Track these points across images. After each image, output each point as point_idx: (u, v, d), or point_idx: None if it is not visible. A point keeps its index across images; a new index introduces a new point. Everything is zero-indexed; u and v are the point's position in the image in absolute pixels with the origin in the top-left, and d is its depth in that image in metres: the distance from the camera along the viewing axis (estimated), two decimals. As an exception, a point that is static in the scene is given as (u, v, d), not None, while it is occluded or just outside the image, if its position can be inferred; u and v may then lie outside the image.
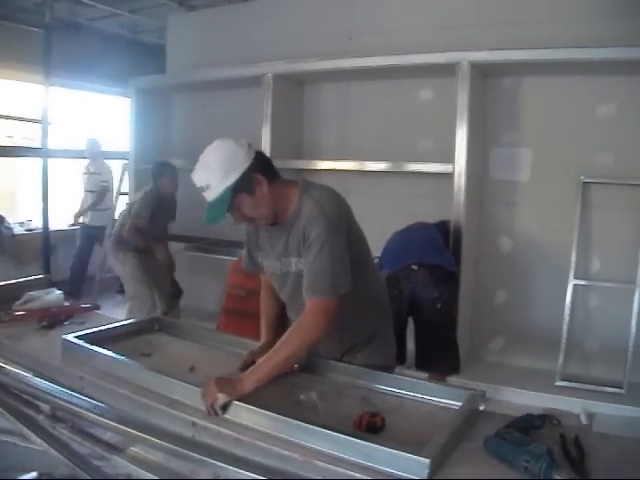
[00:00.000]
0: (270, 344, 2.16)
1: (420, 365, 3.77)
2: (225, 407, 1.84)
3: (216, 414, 1.83)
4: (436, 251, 3.88)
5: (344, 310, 2.07)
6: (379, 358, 2.35)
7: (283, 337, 2.04)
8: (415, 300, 3.76)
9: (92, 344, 2.32)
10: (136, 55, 7.96)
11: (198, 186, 2.03)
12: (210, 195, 2.01)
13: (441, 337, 3.83)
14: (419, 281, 3.71)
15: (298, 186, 2.14)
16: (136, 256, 5.08)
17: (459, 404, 1.88)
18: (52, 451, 2.21)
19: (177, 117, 6.27)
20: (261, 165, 2.07)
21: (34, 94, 6.60)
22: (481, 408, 1.90)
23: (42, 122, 5.91)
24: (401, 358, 3.57)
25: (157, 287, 5.13)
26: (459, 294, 4.28)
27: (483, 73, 4.42)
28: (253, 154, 2.06)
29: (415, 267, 3.73)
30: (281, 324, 2.42)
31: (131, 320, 2.85)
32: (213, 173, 1.99)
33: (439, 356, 3.77)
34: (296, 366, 2.20)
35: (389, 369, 2.37)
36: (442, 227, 4.24)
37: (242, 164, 2.01)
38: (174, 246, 5.70)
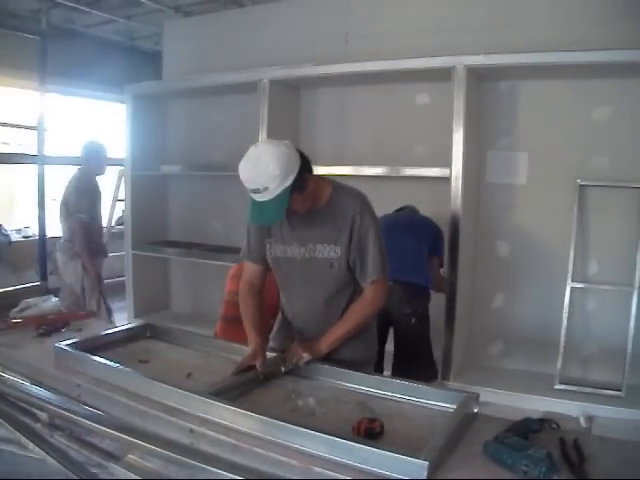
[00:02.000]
0: (262, 347, 2.33)
1: (396, 375, 3.77)
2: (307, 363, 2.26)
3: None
4: (413, 267, 3.95)
5: (345, 301, 2.44)
6: (363, 352, 2.56)
7: (351, 309, 2.41)
8: (390, 314, 3.86)
9: (85, 351, 2.31)
10: (132, 61, 7.97)
11: (253, 188, 2.12)
12: (265, 196, 2.11)
13: (417, 350, 3.94)
14: (393, 297, 3.77)
15: (328, 181, 2.48)
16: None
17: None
18: (50, 459, 2.21)
19: (173, 123, 6.25)
20: (305, 164, 2.25)
21: (30, 101, 6.59)
22: (475, 410, 1.90)
23: (38, 129, 5.91)
24: (379, 368, 3.71)
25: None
26: (456, 299, 4.29)
27: (479, 77, 4.41)
28: (299, 154, 2.24)
29: (390, 283, 3.76)
30: (261, 324, 2.49)
31: (123, 327, 2.84)
32: (272, 176, 2.09)
33: (415, 368, 3.81)
34: (283, 369, 2.27)
35: (369, 364, 2.62)
36: (432, 228, 4.25)
37: (296, 166, 2.18)
38: (170, 252, 5.69)
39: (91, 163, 5.39)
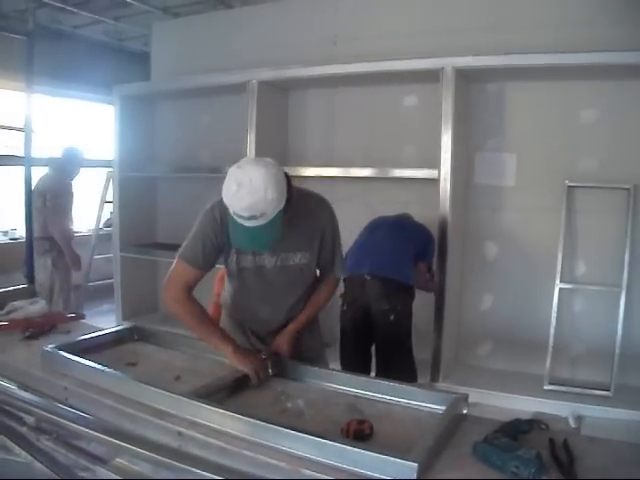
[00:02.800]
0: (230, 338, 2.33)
1: (379, 375, 3.82)
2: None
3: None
4: (394, 263, 3.92)
5: (304, 301, 2.51)
6: (315, 345, 2.67)
7: (314, 297, 2.51)
8: (369, 310, 3.88)
9: (73, 354, 2.29)
10: (120, 62, 7.94)
11: (248, 215, 1.99)
12: (260, 222, 2.02)
13: (396, 349, 3.91)
14: (371, 292, 3.83)
15: (291, 189, 2.23)
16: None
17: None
18: (36, 463, 2.19)
19: (162, 124, 6.23)
20: (289, 182, 2.15)
21: (17, 102, 6.55)
22: (464, 411, 1.90)
23: (25, 130, 5.86)
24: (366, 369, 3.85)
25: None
26: (444, 300, 4.31)
27: (467, 78, 4.43)
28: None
29: (368, 277, 3.84)
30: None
31: (111, 330, 2.82)
32: (271, 202, 1.99)
33: (394, 369, 3.80)
34: (270, 371, 2.25)
35: (323, 356, 2.73)
36: (424, 234, 4.24)
37: (285, 186, 2.09)
38: (158, 254, 5.67)
39: (67, 167, 5.58)
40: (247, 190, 1.96)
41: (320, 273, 2.55)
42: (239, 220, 2.03)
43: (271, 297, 2.43)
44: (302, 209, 2.28)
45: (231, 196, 2.00)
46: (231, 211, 2.03)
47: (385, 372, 3.81)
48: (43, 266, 5.33)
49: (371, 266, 3.85)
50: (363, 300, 3.87)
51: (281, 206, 2.05)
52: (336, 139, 5.24)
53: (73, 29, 7.47)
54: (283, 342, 2.40)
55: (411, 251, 4.05)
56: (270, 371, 2.25)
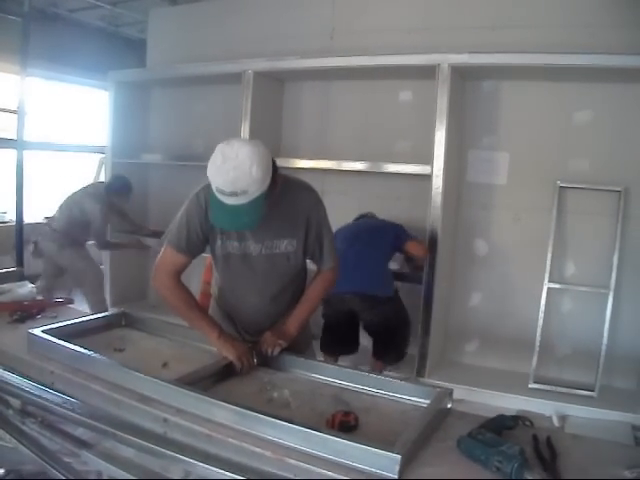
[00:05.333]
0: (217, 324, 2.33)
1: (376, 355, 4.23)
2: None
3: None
4: (370, 279, 4.05)
5: (292, 291, 2.48)
6: (304, 336, 2.59)
7: (312, 290, 2.47)
8: (357, 317, 4.18)
9: (59, 338, 2.28)
10: (116, 48, 7.88)
11: (230, 191, 1.94)
12: (241, 200, 1.96)
13: (393, 329, 4.20)
14: (355, 306, 4.06)
15: (279, 176, 2.20)
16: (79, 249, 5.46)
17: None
18: (21, 447, 2.19)
19: (156, 112, 6.22)
20: (275, 166, 2.10)
21: (10, 84, 6.50)
22: (449, 406, 1.92)
23: (18, 113, 5.83)
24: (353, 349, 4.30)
25: None
26: (433, 296, 4.33)
27: (463, 76, 4.43)
28: None
29: (347, 296, 4.01)
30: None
31: (98, 315, 2.81)
32: (254, 180, 1.94)
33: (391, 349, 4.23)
34: (256, 360, 2.25)
35: (306, 347, 2.67)
36: (391, 227, 4.34)
37: (271, 168, 2.04)
38: (149, 242, 5.67)
39: (118, 197, 5.48)
40: (232, 164, 1.93)
41: (317, 267, 2.50)
42: (220, 196, 1.98)
43: (257, 284, 2.39)
44: (287, 197, 2.26)
45: (215, 169, 1.97)
46: (213, 187, 1.98)
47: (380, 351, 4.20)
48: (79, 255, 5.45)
49: (348, 286, 3.87)
50: (343, 312, 4.12)
51: (264, 187, 1.99)
52: (330, 132, 5.24)
53: (69, 13, 7.41)
54: (276, 336, 2.30)
55: (385, 255, 4.21)
56: (255, 360, 2.25)
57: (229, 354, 2.18)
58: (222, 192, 1.95)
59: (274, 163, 2.08)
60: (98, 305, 5.39)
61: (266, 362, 2.28)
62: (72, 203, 5.41)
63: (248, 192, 1.94)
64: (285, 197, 2.24)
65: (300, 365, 2.28)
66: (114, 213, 5.56)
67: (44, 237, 5.39)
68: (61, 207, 5.47)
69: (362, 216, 4.53)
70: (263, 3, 5.49)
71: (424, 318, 4.37)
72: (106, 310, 5.13)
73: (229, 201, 1.96)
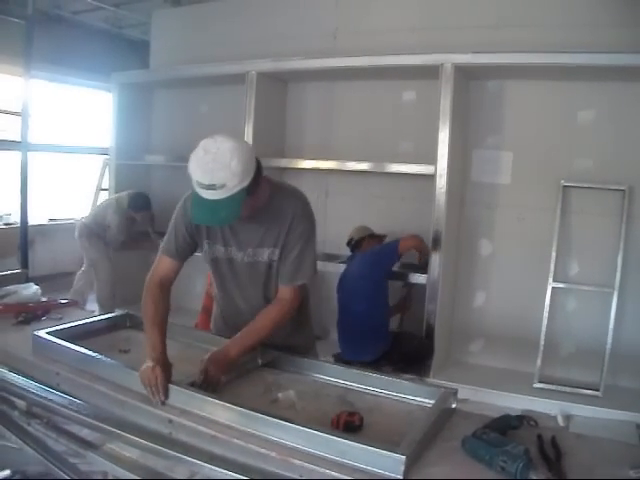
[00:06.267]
0: (164, 354, 2.07)
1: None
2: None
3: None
4: (358, 345, 4.20)
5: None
6: (305, 338, 2.58)
7: (259, 320, 2.22)
8: None
9: (64, 340, 2.29)
10: (119, 50, 7.89)
11: (208, 183, 1.93)
12: (219, 194, 1.94)
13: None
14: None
15: (266, 179, 2.20)
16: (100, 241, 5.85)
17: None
18: (27, 448, 2.19)
19: (159, 113, 6.22)
20: (260, 166, 2.08)
21: (14, 86, 6.51)
22: (453, 406, 1.91)
23: (22, 115, 5.85)
24: None
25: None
26: (437, 296, 4.33)
27: (466, 75, 4.43)
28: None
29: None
30: (165, 325, 2.22)
31: (103, 316, 2.82)
32: (233, 174, 1.92)
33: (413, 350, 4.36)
34: (260, 361, 2.26)
35: (313, 348, 2.63)
36: (369, 262, 4.33)
37: (253, 166, 2.02)
38: (155, 243, 5.68)
39: (137, 213, 5.76)
40: (212, 157, 1.93)
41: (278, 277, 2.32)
42: (199, 190, 1.96)
43: (243, 290, 2.38)
44: (274, 205, 2.22)
45: (196, 161, 1.96)
46: (193, 180, 1.97)
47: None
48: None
49: (346, 354, 4.18)
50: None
51: (244, 184, 1.97)
52: (334, 132, 5.24)
53: (72, 15, 7.41)
54: (217, 368, 2.04)
55: (379, 305, 4.27)
56: (260, 361, 2.25)
57: (141, 379, 1.96)
58: (201, 185, 1.95)
59: (259, 165, 2.07)
60: (105, 300, 5.77)
61: (272, 363, 2.28)
62: (102, 209, 5.91)
63: (226, 186, 1.93)
64: (272, 205, 2.21)
65: (305, 365, 2.28)
66: (135, 227, 5.87)
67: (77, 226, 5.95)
68: (94, 209, 6.10)
69: (350, 243, 4.54)
70: (266, 4, 5.50)
71: (429, 318, 4.36)
72: (113, 307, 5.24)
73: (207, 195, 1.95)
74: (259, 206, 2.17)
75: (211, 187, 1.93)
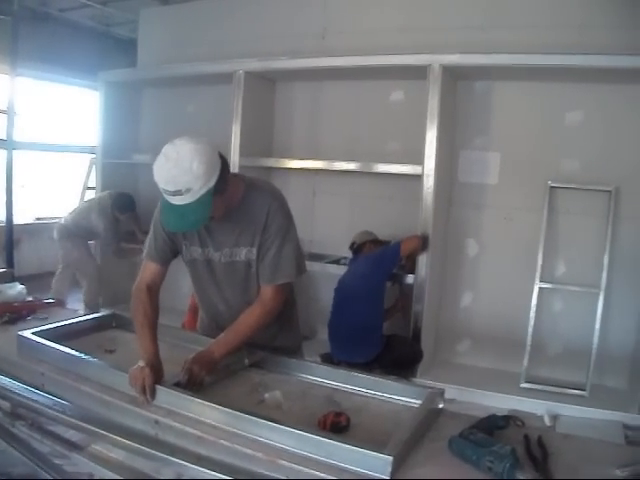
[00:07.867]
0: (156, 355, 2.08)
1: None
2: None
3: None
4: (354, 346, 4.18)
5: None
6: (292, 339, 2.56)
7: (242, 320, 2.21)
8: None
9: (49, 340, 2.27)
10: (106, 48, 7.86)
11: (173, 190, 1.91)
12: (186, 199, 1.92)
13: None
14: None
15: (240, 178, 2.23)
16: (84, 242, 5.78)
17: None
18: (11, 450, 2.17)
19: (147, 112, 6.20)
20: (224, 163, 2.05)
21: (0, 84, 6.47)
22: (440, 406, 1.91)
23: (8, 113, 5.81)
24: None
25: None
26: (424, 296, 4.34)
27: (454, 76, 4.44)
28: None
29: (336, 361, 4.10)
30: (155, 328, 2.25)
31: (89, 316, 2.80)
32: (197, 176, 1.90)
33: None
34: (247, 361, 2.24)
35: (299, 349, 2.62)
36: (371, 263, 4.32)
37: (218, 165, 1.99)
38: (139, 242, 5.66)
39: (122, 214, 5.70)
40: (173, 163, 1.91)
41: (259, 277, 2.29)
42: (166, 196, 1.95)
43: (222, 292, 2.37)
44: (249, 202, 2.20)
45: (158, 169, 1.95)
46: (160, 188, 1.96)
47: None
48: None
49: (337, 352, 4.18)
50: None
51: (210, 185, 1.94)
52: (321, 132, 5.24)
53: (59, 12, 7.37)
54: (201, 368, 2.03)
55: (376, 307, 4.23)
56: (246, 361, 2.24)
57: (129, 378, 1.96)
58: (167, 192, 1.94)
59: (225, 162, 2.05)
60: (93, 298, 5.74)
61: (258, 363, 2.28)
62: (83, 210, 5.75)
63: (192, 190, 1.91)
64: (246, 203, 2.20)
65: (292, 366, 2.27)
66: (120, 227, 5.79)
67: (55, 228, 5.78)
68: (74, 210, 5.81)
69: (353, 247, 4.52)
70: (254, 3, 5.48)
71: (415, 318, 4.37)
72: (99, 305, 5.22)
73: (175, 201, 1.94)
74: (233, 205, 2.15)
75: (177, 193, 1.91)
